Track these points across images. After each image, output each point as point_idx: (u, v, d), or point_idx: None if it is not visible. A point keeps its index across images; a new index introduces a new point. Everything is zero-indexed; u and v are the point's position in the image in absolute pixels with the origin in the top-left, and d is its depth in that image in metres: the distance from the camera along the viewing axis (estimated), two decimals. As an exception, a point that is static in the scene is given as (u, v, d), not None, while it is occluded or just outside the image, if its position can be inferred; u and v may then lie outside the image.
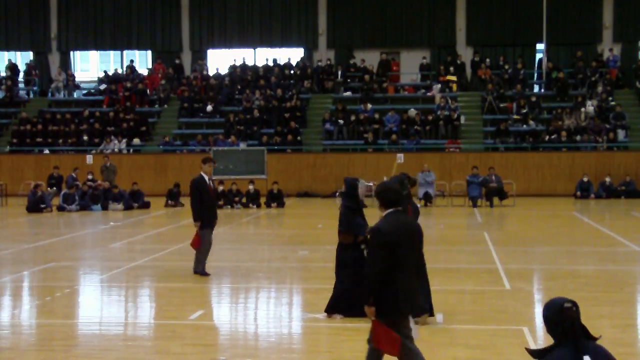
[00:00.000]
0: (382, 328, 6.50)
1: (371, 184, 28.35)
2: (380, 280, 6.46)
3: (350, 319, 9.97)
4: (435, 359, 8.34)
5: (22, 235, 20.35)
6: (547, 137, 31.96)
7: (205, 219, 13.21)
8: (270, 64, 37.72)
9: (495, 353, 8.55)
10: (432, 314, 9.85)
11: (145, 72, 38.60)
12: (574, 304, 4.65)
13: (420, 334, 9.29)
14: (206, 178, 13.34)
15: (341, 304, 10.04)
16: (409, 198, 10.12)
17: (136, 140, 33.91)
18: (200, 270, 13.28)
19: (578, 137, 31.86)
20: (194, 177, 13.50)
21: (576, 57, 36.08)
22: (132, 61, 38.81)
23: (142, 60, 40.30)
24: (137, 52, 40.48)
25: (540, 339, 9.18)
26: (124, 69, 39.11)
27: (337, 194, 25.89)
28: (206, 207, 13.23)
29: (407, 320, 6.67)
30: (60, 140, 33.99)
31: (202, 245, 13.19)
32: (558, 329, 4.60)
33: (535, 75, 36.83)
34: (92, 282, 13.37)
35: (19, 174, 32.11)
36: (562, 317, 4.59)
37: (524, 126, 32.56)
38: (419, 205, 27.69)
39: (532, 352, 4.69)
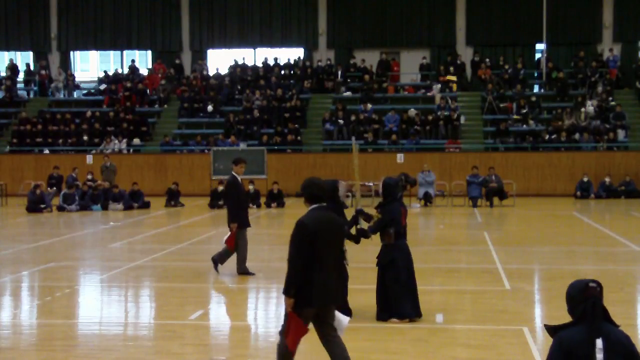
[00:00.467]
0: (294, 320, 6.66)
1: (371, 184, 28.34)
2: (302, 272, 6.61)
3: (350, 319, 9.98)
4: (435, 359, 8.34)
5: (22, 235, 20.35)
6: (547, 137, 31.94)
7: (242, 220, 13.26)
8: (271, 64, 37.72)
9: (495, 353, 8.55)
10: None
11: (145, 72, 38.61)
12: (599, 284, 4.68)
13: (420, 334, 9.32)
14: (239, 179, 13.41)
15: None
16: (400, 199, 10.15)
17: (136, 140, 33.91)
18: (242, 269, 13.34)
19: (577, 136, 31.86)
20: (228, 179, 13.58)
21: (576, 57, 36.08)
22: (133, 61, 38.82)
23: (142, 60, 40.31)
24: (137, 52, 40.48)
25: (540, 339, 9.18)
26: (124, 68, 39.14)
27: None
28: (242, 207, 13.29)
29: (329, 313, 6.84)
30: (60, 140, 33.98)
31: (237, 245, 13.24)
32: (579, 308, 4.63)
33: (535, 75, 36.82)
34: (92, 282, 13.37)
35: (19, 174, 32.11)
36: (584, 295, 4.64)
37: (524, 126, 32.55)
38: (418, 205, 27.56)
39: (549, 328, 4.73)
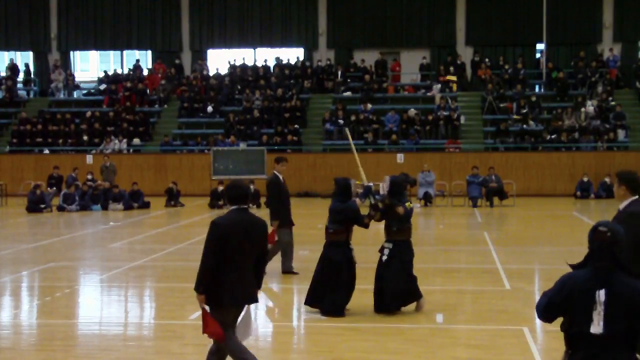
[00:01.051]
0: (207, 315, 6.78)
1: (371, 184, 28.36)
2: (212, 270, 6.73)
3: (350, 319, 9.99)
4: (435, 359, 8.35)
5: (22, 235, 20.35)
6: (548, 137, 31.93)
7: (283, 218, 13.26)
8: (271, 64, 37.73)
9: (495, 353, 8.55)
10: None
11: (145, 72, 38.60)
12: (613, 231, 4.58)
13: (420, 334, 9.32)
14: (281, 177, 13.44)
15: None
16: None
17: (136, 140, 33.91)
18: (287, 268, 13.40)
19: (576, 135, 31.86)
20: (270, 177, 13.62)
21: (576, 57, 36.08)
22: (138, 60, 38.86)
23: (142, 60, 40.30)
24: (137, 52, 40.48)
25: (540, 339, 9.19)
26: (124, 69, 39.13)
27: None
28: (283, 206, 13.30)
29: (235, 312, 6.91)
30: (60, 140, 33.99)
31: (277, 243, 13.28)
32: (589, 251, 4.59)
33: (536, 75, 36.82)
34: (92, 282, 13.37)
35: (19, 174, 32.11)
36: (592, 238, 4.59)
37: (524, 126, 32.54)
38: (419, 206, 27.60)
39: (571, 267, 4.73)
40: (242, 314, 6.96)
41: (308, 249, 16.14)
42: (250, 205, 26.73)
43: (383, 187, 10.61)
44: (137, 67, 38.20)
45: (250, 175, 28.37)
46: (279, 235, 13.20)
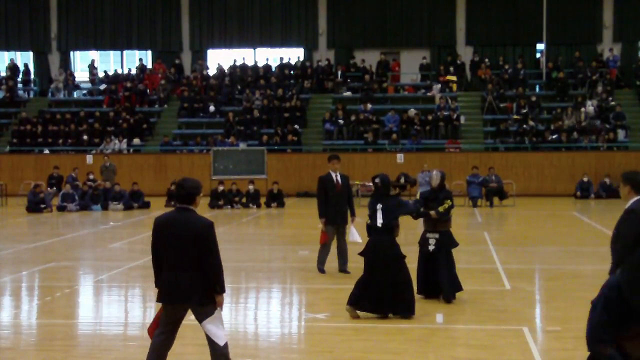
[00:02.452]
0: (159, 311, 7.02)
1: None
2: (155, 266, 7.01)
3: (350, 318, 9.99)
4: (435, 359, 8.34)
5: (22, 235, 20.34)
6: (549, 137, 31.92)
7: (330, 216, 13.26)
8: (271, 64, 37.73)
9: (495, 353, 8.54)
10: None
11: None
12: None
13: (420, 334, 9.32)
14: (333, 175, 13.41)
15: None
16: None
17: (136, 140, 33.91)
18: (320, 267, 13.42)
19: (575, 135, 31.85)
20: (322, 175, 13.64)
21: (576, 57, 36.08)
22: (141, 60, 38.87)
23: (143, 61, 40.26)
24: (137, 52, 40.49)
25: (540, 339, 9.18)
26: (124, 69, 39.12)
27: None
28: (331, 204, 13.27)
29: (171, 310, 7.00)
30: (60, 140, 33.99)
31: (326, 241, 13.28)
32: None
33: (536, 75, 36.82)
34: (92, 282, 13.37)
35: (19, 174, 32.11)
36: None
37: (524, 126, 32.54)
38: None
39: None
40: (213, 315, 6.92)
41: (308, 249, 16.15)
42: (251, 205, 26.73)
43: (434, 179, 11.42)
44: (143, 68, 38.16)
45: (250, 175, 28.39)
46: (327, 232, 13.22)
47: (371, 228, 10.18)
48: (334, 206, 13.27)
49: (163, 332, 7.08)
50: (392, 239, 10.09)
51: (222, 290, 6.92)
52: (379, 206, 10.11)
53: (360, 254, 10.32)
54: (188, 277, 6.82)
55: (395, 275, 9.95)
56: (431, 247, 10.96)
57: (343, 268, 13.34)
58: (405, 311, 9.95)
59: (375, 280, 9.94)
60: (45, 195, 26.42)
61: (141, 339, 9.52)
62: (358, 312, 10.00)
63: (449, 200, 11.10)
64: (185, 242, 6.78)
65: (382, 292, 9.90)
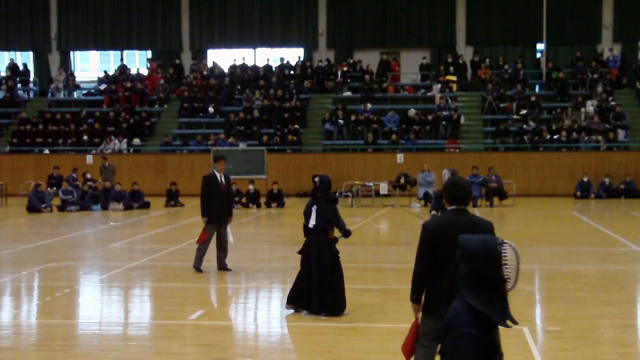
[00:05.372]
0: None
1: (371, 184, 28.36)
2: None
3: (350, 319, 9.99)
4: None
5: (22, 235, 20.34)
6: (548, 137, 31.92)
7: (212, 215, 13.34)
8: (271, 64, 37.73)
9: (495, 353, 8.53)
10: None
11: (145, 72, 38.61)
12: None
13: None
14: (218, 176, 13.53)
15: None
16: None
17: (136, 140, 33.91)
18: (197, 265, 13.49)
19: (574, 135, 31.84)
20: (206, 175, 13.77)
21: (576, 57, 36.08)
22: (148, 59, 38.85)
23: (143, 60, 40.33)
24: (137, 52, 40.48)
25: (540, 339, 9.18)
26: (133, 68, 39.10)
27: (338, 194, 25.80)
28: (214, 203, 13.36)
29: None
30: (60, 140, 33.99)
31: (205, 240, 13.32)
32: None
33: (535, 75, 36.82)
34: (92, 282, 13.37)
35: (19, 174, 32.10)
36: None
37: (524, 126, 32.54)
38: (418, 205, 27.47)
39: None
40: None
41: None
42: (251, 205, 26.74)
43: (445, 178, 11.13)
44: (151, 68, 38.11)
45: (250, 175, 28.39)
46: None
47: (306, 228, 10.35)
48: (217, 205, 13.43)
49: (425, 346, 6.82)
50: (326, 239, 10.22)
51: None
52: (314, 207, 10.25)
53: (298, 252, 10.49)
54: None
55: (327, 275, 10.10)
56: None
57: (223, 265, 13.49)
58: (332, 310, 10.07)
59: (307, 279, 10.17)
60: (45, 195, 26.42)
61: (141, 338, 9.52)
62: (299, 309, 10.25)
63: None
64: None
65: (312, 291, 10.10)
